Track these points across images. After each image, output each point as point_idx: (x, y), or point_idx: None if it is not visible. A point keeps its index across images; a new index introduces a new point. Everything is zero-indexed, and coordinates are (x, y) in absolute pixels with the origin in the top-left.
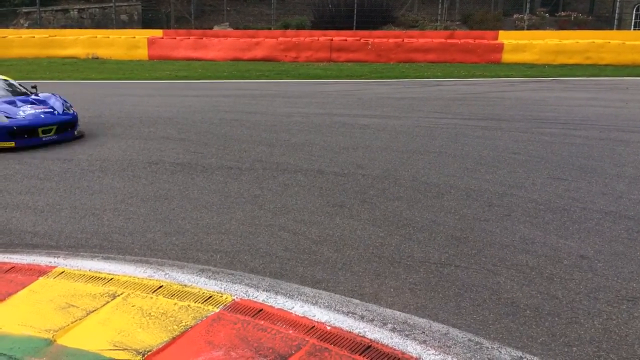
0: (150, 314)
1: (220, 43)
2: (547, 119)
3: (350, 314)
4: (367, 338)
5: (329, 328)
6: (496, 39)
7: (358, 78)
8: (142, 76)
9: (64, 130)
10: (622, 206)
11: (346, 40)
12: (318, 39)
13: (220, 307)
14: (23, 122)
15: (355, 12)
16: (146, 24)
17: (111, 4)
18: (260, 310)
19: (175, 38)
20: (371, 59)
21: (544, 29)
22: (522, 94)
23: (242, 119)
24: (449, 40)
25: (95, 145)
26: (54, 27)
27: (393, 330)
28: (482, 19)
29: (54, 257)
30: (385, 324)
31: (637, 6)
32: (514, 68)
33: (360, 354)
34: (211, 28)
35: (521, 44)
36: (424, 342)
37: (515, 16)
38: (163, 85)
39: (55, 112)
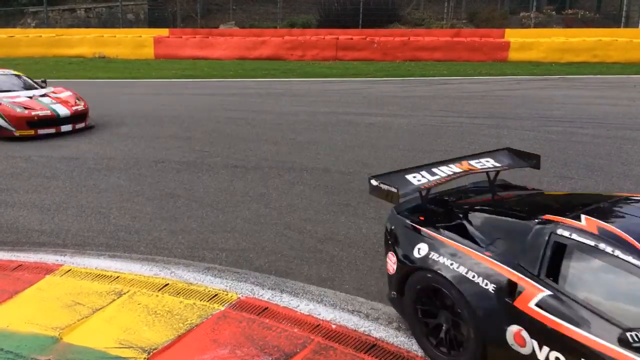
0: (156, 312)
1: (226, 42)
2: (554, 117)
3: (356, 313)
4: (372, 337)
5: (334, 326)
6: (502, 37)
7: (364, 76)
8: (149, 75)
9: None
10: None
11: (352, 38)
12: (324, 38)
13: (226, 305)
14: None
15: (361, 10)
16: (152, 23)
17: (118, 4)
18: (266, 308)
19: (181, 37)
20: (377, 58)
21: (550, 27)
22: (529, 92)
23: (247, 117)
24: (455, 39)
25: (102, 144)
26: (60, 27)
27: (398, 328)
28: (489, 17)
29: (61, 255)
30: (390, 323)
31: None
32: (520, 66)
33: (365, 353)
34: (217, 27)
35: (528, 42)
36: None
37: (521, 14)
38: (169, 84)
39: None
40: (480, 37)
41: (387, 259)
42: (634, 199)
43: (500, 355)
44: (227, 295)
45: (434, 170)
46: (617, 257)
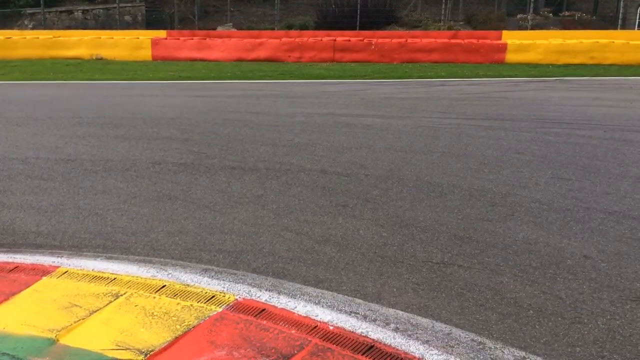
0: (153, 313)
1: (224, 43)
2: (551, 119)
3: (353, 314)
4: (370, 338)
5: (331, 328)
6: (500, 39)
7: (361, 78)
8: (146, 77)
9: None
10: (626, 206)
11: (349, 40)
12: (321, 39)
13: (223, 306)
14: None
15: (358, 12)
16: (150, 24)
17: (115, 5)
18: (263, 310)
19: (178, 39)
20: (374, 59)
21: (547, 28)
22: (526, 94)
23: (245, 119)
24: (452, 41)
25: (99, 146)
26: (58, 28)
27: (396, 330)
28: (486, 19)
29: (58, 256)
30: (388, 324)
31: None
32: (517, 68)
33: (363, 354)
34: (215, 29)
35: (525, 43)
36: (427, 342)
37: (518, 16)
38: (166, 85)
39: None
40: (478, 39)
41: None
42: None
43: None
44: (224, 296)
45: None
46: None
